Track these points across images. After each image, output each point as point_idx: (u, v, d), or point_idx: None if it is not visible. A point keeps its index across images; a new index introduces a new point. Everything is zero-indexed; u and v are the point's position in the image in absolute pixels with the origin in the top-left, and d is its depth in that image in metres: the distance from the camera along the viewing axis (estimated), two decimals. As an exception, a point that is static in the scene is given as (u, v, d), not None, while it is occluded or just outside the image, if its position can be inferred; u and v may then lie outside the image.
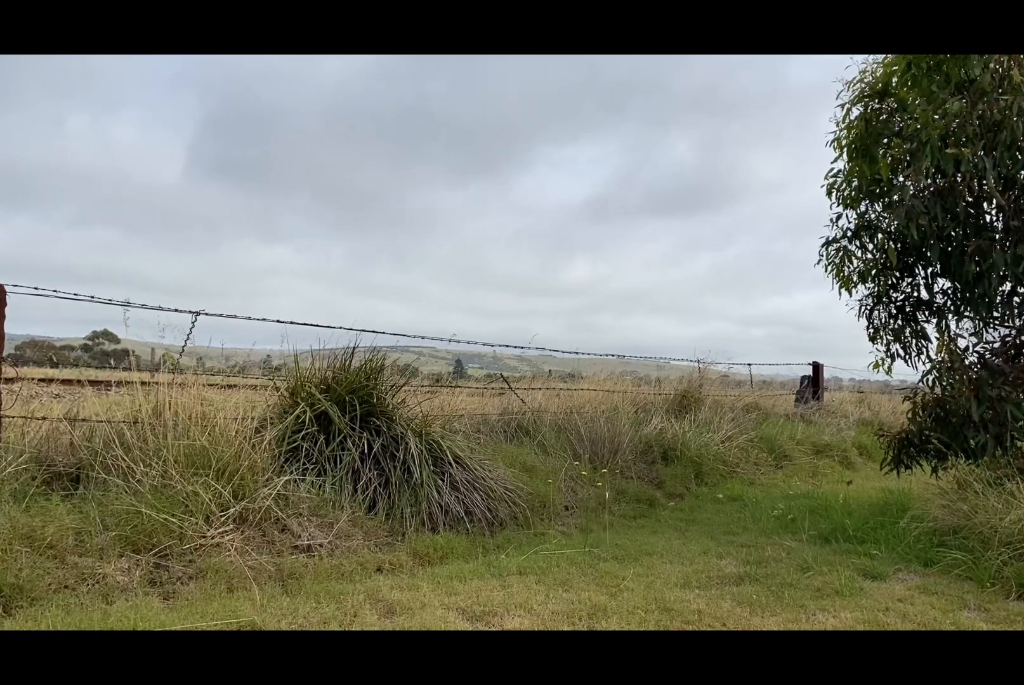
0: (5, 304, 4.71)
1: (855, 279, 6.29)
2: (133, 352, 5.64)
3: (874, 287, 6.30)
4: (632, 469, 7.58)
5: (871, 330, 6.40)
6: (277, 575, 4.09)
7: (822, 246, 6.35)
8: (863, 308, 6.38)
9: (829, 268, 6.34)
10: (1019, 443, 5.30)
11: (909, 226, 5.31)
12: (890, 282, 6.21)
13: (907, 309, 6.29)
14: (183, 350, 5.47)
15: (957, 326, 6.12)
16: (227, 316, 5.89)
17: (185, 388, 4.95)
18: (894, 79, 5.91)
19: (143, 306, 5.38)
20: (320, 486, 4.95)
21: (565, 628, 3.52)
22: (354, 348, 5.86)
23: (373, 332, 6.38)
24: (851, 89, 6.20)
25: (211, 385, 5.48)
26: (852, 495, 7.44)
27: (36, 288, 4.85)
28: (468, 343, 8.37)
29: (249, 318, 6.01)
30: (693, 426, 8.93)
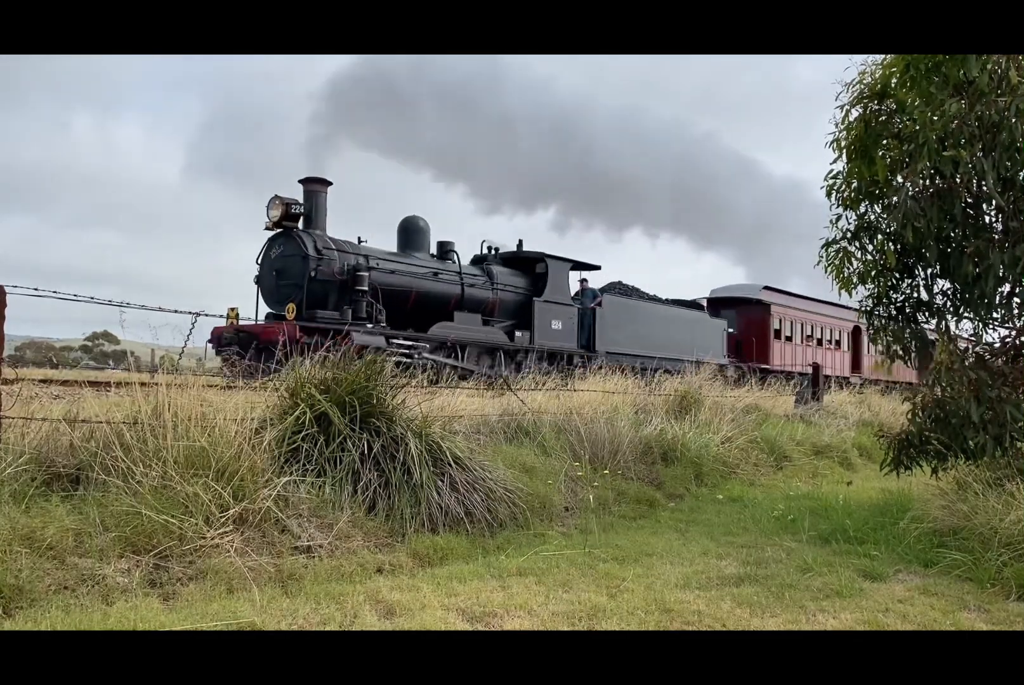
0: (5, 305, 4.70)
1: (855, 280, 6.29)
2: (132, 353, 5.64)
3: (874, 288, 6.30)
4: (632, 470, 7.57)
5: (871, 331, 6.41)
6: (277, 576, 4.09)
7: (822, 247, 6.35)
8: (863, 309, 6.39)
9: (829, 269, 6.34)
10: (1019, 444, 5.30)
11: (905, 227, 5.31)
12: (890, 283, 6.21)
13: (907, 310, 6.29)
14: (183, 351, 5.47)
15: (957, 327, 6.13)
16: (227, 317, 5.88)
17: (184, 389, 4.94)
18: (893, 80, 5.91)
19: (142, 307, 5.39)
20: (320, 487, 4.95)
21: (565, 629, 3.51)
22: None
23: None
24: (850, 90, 6.19)
25: (211, 386, 5.48)
26: (852, 496, 7.44)
27: (36, 289, 4.85)
28: (467, 344, 8.38)
29: (249, 319, 6.01)
30: (693, 427, 8.91)
